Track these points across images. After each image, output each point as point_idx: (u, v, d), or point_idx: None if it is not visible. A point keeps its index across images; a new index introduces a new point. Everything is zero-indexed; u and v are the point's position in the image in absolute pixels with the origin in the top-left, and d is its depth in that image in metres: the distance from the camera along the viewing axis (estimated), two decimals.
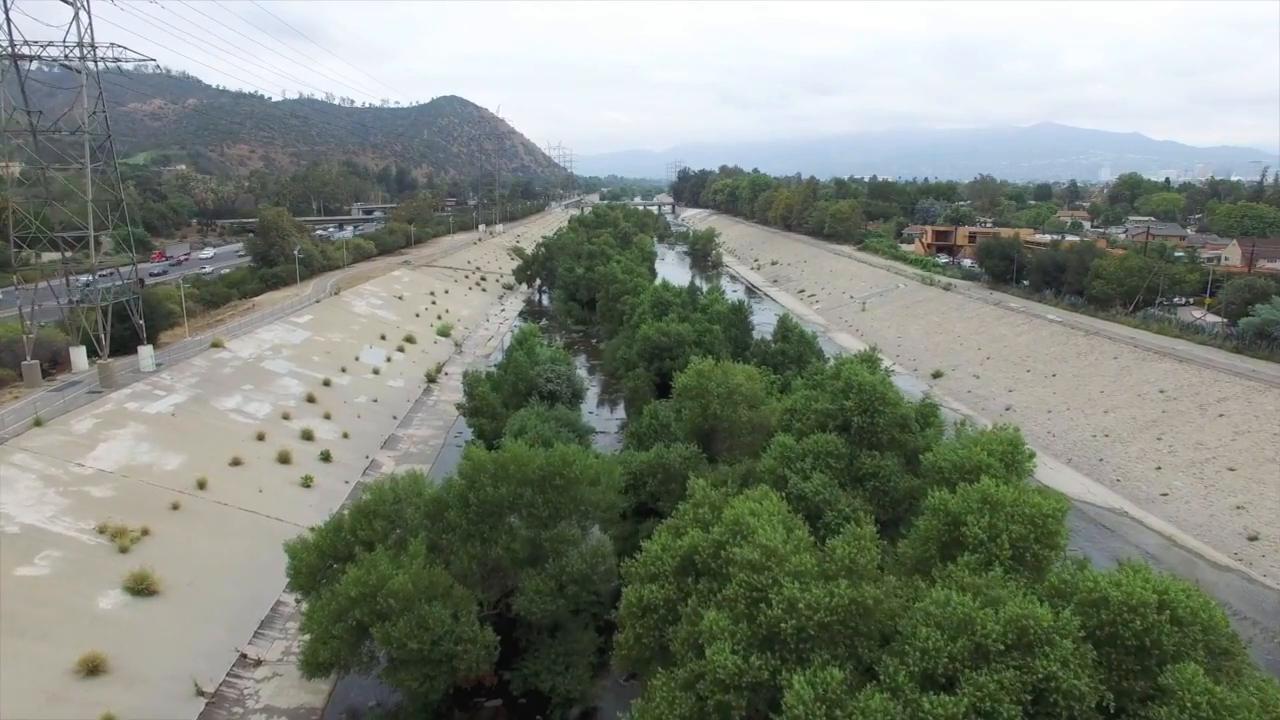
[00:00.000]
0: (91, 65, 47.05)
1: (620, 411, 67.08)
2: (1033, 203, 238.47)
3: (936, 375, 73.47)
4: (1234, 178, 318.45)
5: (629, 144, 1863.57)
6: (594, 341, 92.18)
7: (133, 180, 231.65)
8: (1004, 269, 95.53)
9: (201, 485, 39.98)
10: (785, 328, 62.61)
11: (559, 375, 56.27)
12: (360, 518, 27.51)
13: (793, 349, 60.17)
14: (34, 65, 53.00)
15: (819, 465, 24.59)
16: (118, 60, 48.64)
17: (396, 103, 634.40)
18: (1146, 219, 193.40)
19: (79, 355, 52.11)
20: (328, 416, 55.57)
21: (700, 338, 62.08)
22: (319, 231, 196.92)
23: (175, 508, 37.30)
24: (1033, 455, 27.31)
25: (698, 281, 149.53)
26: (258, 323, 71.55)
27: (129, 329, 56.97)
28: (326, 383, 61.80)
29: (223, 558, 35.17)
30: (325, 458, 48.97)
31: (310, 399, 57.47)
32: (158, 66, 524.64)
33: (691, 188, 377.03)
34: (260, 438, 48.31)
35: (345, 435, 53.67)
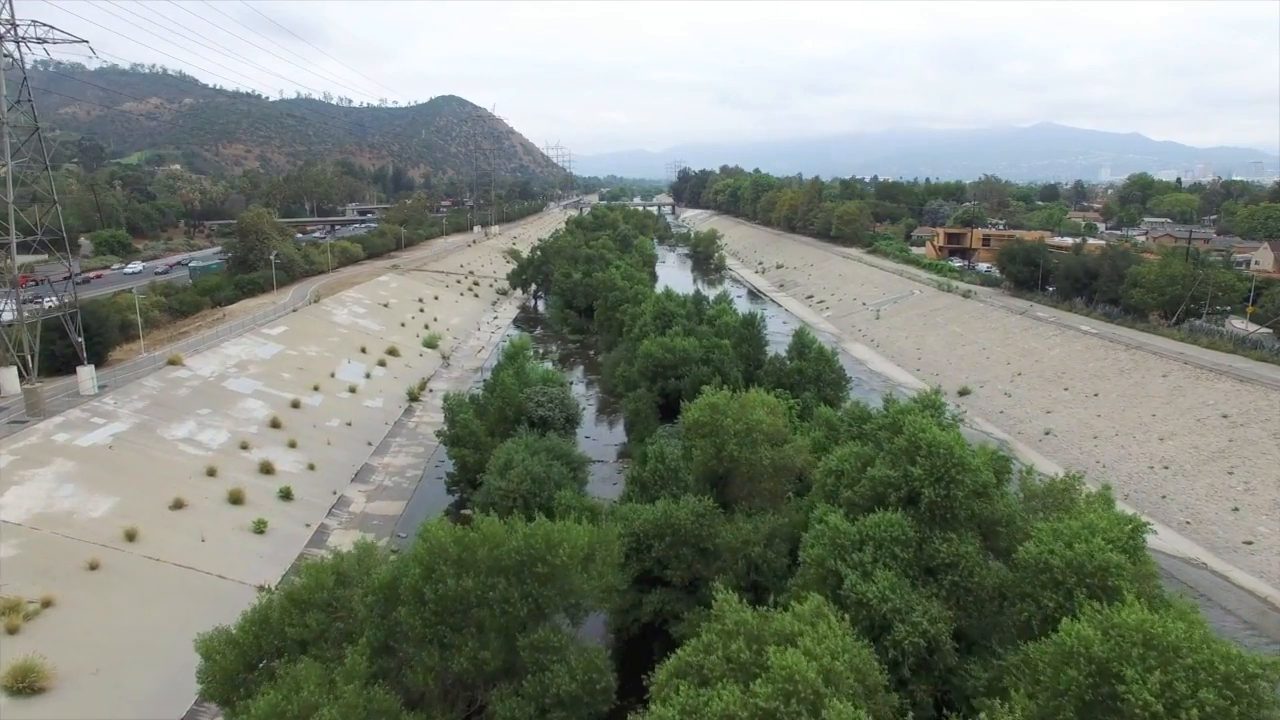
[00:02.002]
0: (11, 46, 41.20)
1: (620, 431, 61.34)
2: (1040, 203, 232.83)
3: (963, 393, 67.66)
4: (1235, 178, 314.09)
5: (628, 144, 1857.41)
6: (591, 353, 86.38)
7: (119, 180, 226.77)
8: (1028, 275, 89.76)
9: (131, 536, 34.14)
10: (802, 343, 56.91)
11: (551, 398, 50.50)
12: (291, 608, 21.70)
13: (811, 367, 54.50)
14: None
15: (882, 557, 18.84)
16: (43, 41, 42.78)
17: (395, 102, 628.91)
18: (1161, 220, 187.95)
19: (9, 377, 46.21)
20: (293, 444, 49.70)
21: (708, 354, 56.37)
22: (315, 233, 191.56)
23: (93, 567, 31.45)
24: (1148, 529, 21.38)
25: (701, 286, 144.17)
26: (225, 335, 65.68)
27: (73, 346, 51.07)
28: (295, 404, 55.96)
29: (144, 633, 29.32)
30: (285, 495, 43.10)
31: (275, 424, 51.61)
32: (154, 65, 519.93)
33: (692, 188, 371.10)
34: (211, 473, 42.46)
35: (311, 467, 47.79)
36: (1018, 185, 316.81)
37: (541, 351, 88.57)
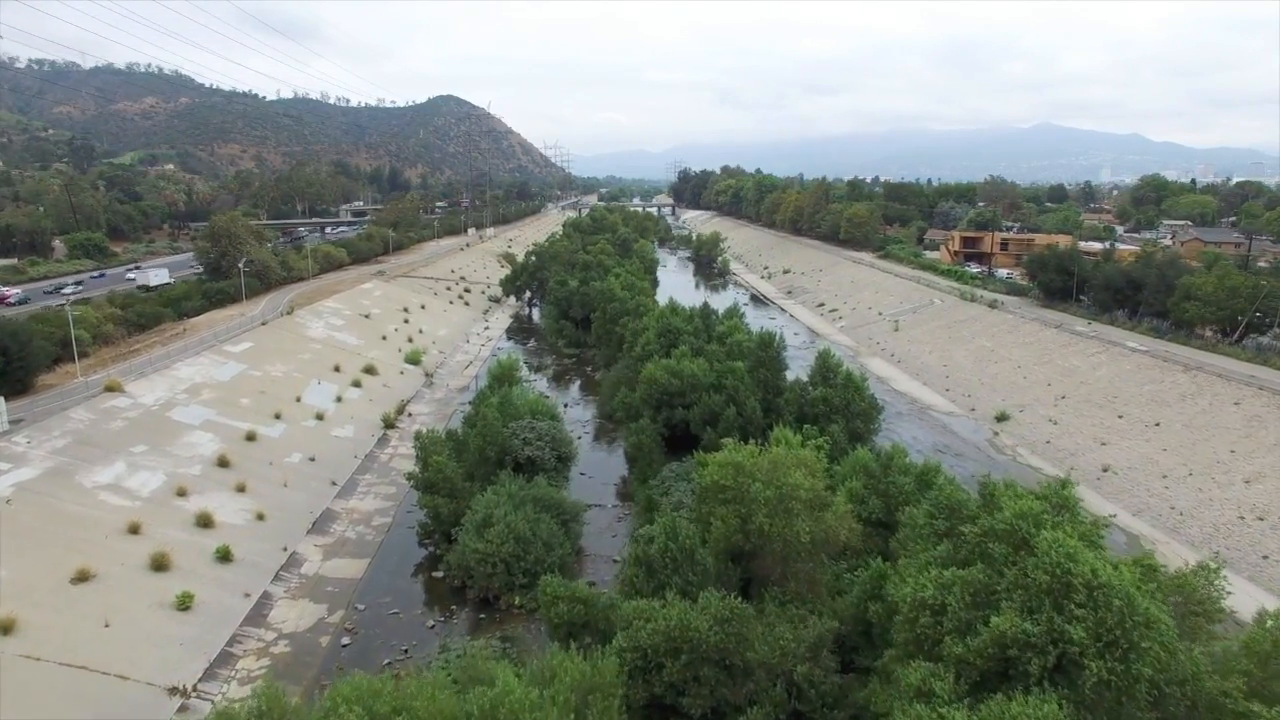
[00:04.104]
0: None
1: (620, 459, 54.49)
2: (1050, 205, 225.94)
3: (1001, 418, 60.97)
4: (1235, 178, 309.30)
5: (627, 144, 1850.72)
6: (589, 370, 79.56)
7: (104, 180, 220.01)
8: (1060, 284, 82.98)
9: (6, 628, 27.33)
10: (826, 366, 50.16)
11: (541, 434, 43.77)
12: None
13: (838, 395, 47.75)
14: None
15: None
16: None
17: (393, 102, 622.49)
18: (1181, 223, 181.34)
19: None
20: (241, 488, 42.84)
21: (720, 380, 49.65)
22: (304, 234, 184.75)
23: None
24: None
25: (705, 293, 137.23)
26: (180, 354, 58.86)
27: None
28: (250, 436, 49.11)
29: None
30: (223, 556, 36.28)
31: (223, 462, 44.76)
32: (149, 65, 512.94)
33: (693, 189, 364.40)
34: (134, 530, 35.62)
35: (260, 516, 40.92)
36: (1020, 186, 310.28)
37: (535, 365, 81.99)
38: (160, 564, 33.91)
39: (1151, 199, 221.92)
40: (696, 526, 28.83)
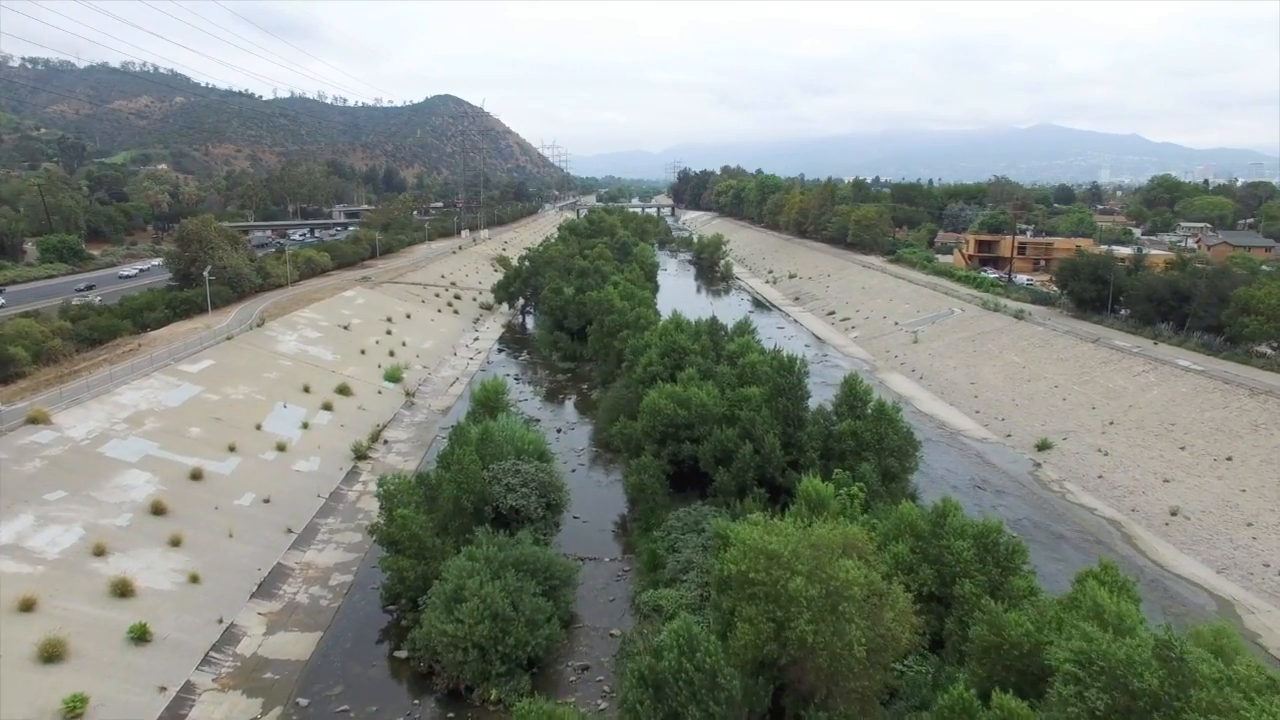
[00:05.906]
0: None
1: (618, 492, 48.27)
2: (1059, 206, 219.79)
3: (1042, 447, 54.80)
4: (1238, 179, 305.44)
5: (626, 144, 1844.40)
6: (585, 386, 73.25)
7: (88, 180, 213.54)
8: (1094, 294, 76.80)
9: None
10: (854, 394, 43.98)
11: (527, 480, 37.45)
12: None
13: (868, 429, 41.57)
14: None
15: None
16: None
17: (390, 102, 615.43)
18: (1200, 225, 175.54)
19: None
20: (176, 542, 36.50)
21: (733, 410, 43.41)
22: (298, 235, 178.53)
23: None
24: None
25: (706, 296, 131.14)
26: (125, 375, 52.49)
27: None
28: (196, 475, 42.76)
29: None
30: (139, 636, 29.93)
31: (158, 509, 38.39)
32: (145, 64, 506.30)
33: (692, 189, 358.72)
34: (26, 607, 29.26)
35: (194, 578, 34.58)
36: (1021, 186, 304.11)
37: (527, 380, 75.87)
38: (52, 653, 27.53)
39: (1164, 200, 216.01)
40: (715, 621, 22.64)
